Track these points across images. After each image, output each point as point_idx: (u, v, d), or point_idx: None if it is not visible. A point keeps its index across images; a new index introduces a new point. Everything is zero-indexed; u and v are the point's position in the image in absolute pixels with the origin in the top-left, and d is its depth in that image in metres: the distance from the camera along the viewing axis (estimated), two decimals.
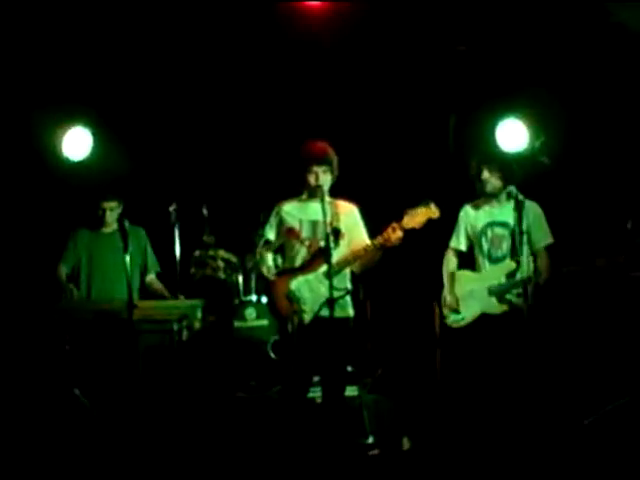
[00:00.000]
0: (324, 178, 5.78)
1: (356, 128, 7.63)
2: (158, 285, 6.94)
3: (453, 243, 6.52)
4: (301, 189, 5.86)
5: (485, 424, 6.17)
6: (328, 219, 5.63)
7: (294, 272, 5.76)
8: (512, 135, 6.99)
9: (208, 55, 7.34)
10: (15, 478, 5.62)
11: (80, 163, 7.15)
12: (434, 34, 7.29)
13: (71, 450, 5.79)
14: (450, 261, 6.51)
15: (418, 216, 5.63)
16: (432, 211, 5.66)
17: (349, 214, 5.87)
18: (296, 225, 5.81)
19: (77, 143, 7.11)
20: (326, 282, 5.53)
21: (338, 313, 5.58)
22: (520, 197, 5.88)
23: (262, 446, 6.10)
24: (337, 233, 5.74)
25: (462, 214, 6.49)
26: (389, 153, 7.87)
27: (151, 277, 6.95)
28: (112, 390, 6.06)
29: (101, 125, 7.21)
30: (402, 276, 7.74)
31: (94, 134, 7.13)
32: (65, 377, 6.03)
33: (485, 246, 6.38)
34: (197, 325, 6.65)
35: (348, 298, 5.78)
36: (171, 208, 6.97)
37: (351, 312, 5.82)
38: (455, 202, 6.55)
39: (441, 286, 6.52)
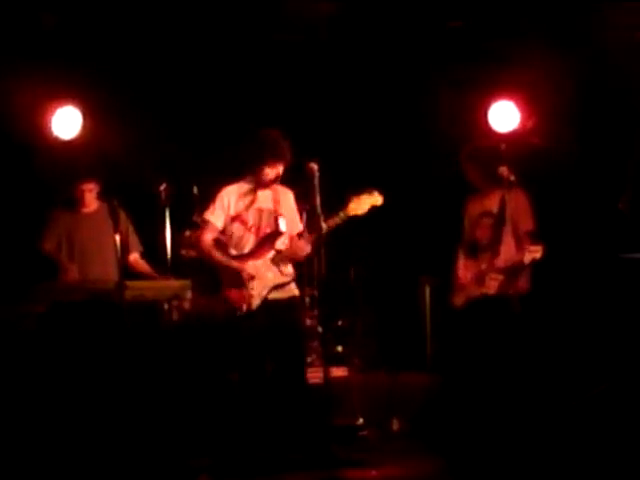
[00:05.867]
0: (279, 171, 5.88)
1: (346, 107, 7.60)
2: (143, 265, 6.94)
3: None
4: (247, 173, 5.95)
5: (476, 402, 6.20)
6: (272, 206, 5.85)
7: (242, 258, 5.88)
8: (504, 116, 6.98)
9: (197, 35, 7.28)
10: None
11: (64, 142, 7.09)
12: (427, 9, 7.24)
13: (60, 430, 5.80)
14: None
15: (362, 203, 5.77)
16: (375, 199, 5.80)
17: (287, 199, 6.01)
18: (242, 212, 5.91)
19: (66, 122, 7.05)
20: (273, 268, 5.80)
21: (285, 294, 5.86)
22: (511, 179, 5.91)
23: (250, 428, 6.10)
24: (281, 219, 5.91)
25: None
26: (378, 134, 7.85)
27: (134, 256, 6.95)
28: (101, 371, 6.04)
29: (90, 104, 7.15)
30: (393, 255, 7.75)
31: (83, 113, 7.08)
32: (55, 358, 6.00)
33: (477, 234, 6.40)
34: (187, 305, 6.65)
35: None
36: (161, 188, 6.94)
37: (296, 292, 6.00)
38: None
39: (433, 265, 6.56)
